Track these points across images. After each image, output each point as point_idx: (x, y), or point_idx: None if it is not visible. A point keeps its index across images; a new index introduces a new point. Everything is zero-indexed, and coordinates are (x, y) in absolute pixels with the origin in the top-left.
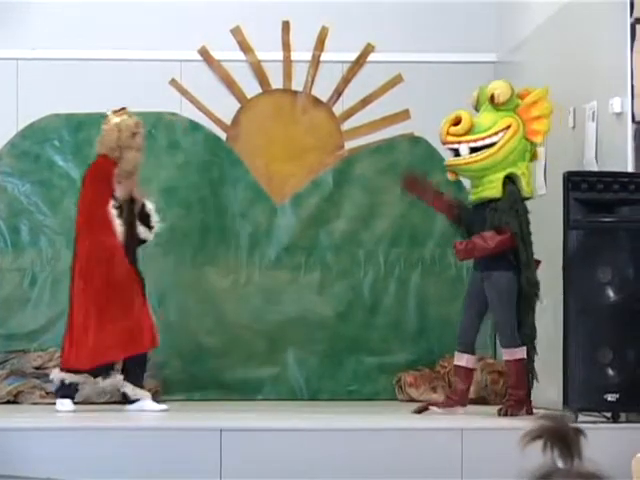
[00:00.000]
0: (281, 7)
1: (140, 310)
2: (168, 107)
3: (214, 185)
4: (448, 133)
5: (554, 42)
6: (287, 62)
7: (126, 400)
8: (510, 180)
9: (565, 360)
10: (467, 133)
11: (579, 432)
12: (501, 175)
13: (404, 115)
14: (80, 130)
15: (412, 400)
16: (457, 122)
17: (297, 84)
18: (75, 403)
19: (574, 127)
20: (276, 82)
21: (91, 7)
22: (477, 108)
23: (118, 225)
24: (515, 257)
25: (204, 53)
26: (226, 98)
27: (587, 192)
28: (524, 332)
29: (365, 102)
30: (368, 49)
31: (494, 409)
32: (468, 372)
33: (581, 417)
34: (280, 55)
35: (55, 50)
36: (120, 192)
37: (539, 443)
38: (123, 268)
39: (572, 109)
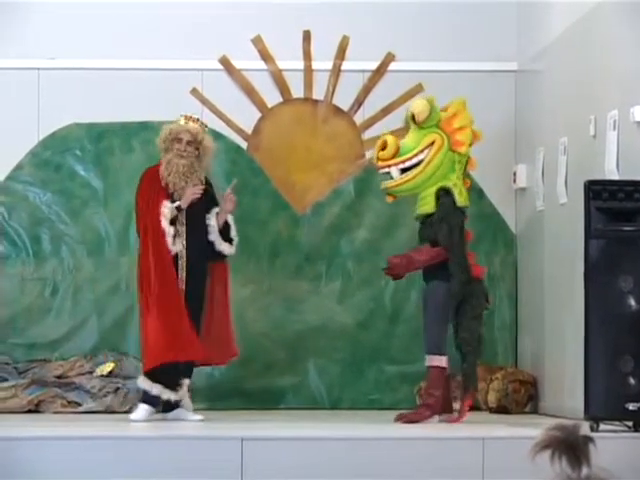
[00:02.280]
0: (302, 16)
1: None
2: None
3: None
4: (378, 159)
5: (575, 50)
6: (308, 71)
7: (169, 406)
8: (446, 192)
9: (586, 369)
10: (394, 156)
11: (588, 440)
12: (433, 190)
13: None
14: (101, 140)
15: None
16: (384, 147)
17: (318, 93)
18: (96, 412)
19: (595, 136)
20: (297, 91)
21: (112, 16)
22: (409, 128)
23: (169, 233)
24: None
25: (225, 62)
26: (247, 107)
27: (608, 201)
28: (461, 337)
29: (386, 111)
30: (389, 58)
31: (516, 418)
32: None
33: (602, 426)
34: (301, 64)
35: (76, 59)
36: (182, 200)
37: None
38: (167, 279)
39: (593, 118)
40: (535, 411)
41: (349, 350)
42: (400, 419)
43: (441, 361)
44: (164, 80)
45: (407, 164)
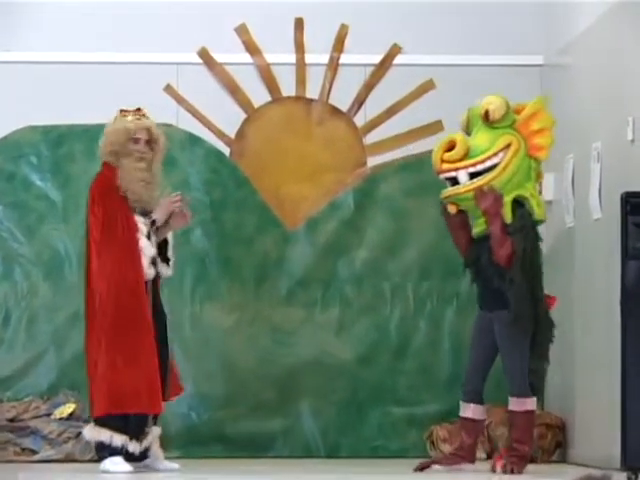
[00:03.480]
0: (294, 2)
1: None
2: (163, 117)
3: (216, 208)
4: (443, 160)
5: (607, 43)
6: (300, 65)
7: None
8: (518, 204)
9: (624, 411)
10: (463, 158)
11: None
12: (508, 199)
13: (436, 127)
14: (60, 145)
15: None
16: (451, 147)
17: (312, 91)
18: (55, 461)
19: (633, 141)
20: (288, 88)
21: (73, 4)
22: (468, 132)
23: (147, 254)
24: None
25: (204, 55)
26: (230, 107)
27: None
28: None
29: (391, 112)
30: (394, 50)
31: (540, 468)
32: (475, 424)
33: None
34: (292, 57)
35: (31, 52)
36: (157, 213)
37: None
38: (145, 303)
39: (631, 120)
40: (564, 460)
41: (348, 389)
42: (510, 471)
43: (533, 403)
44: (133, 76)
45: (479, 167)
